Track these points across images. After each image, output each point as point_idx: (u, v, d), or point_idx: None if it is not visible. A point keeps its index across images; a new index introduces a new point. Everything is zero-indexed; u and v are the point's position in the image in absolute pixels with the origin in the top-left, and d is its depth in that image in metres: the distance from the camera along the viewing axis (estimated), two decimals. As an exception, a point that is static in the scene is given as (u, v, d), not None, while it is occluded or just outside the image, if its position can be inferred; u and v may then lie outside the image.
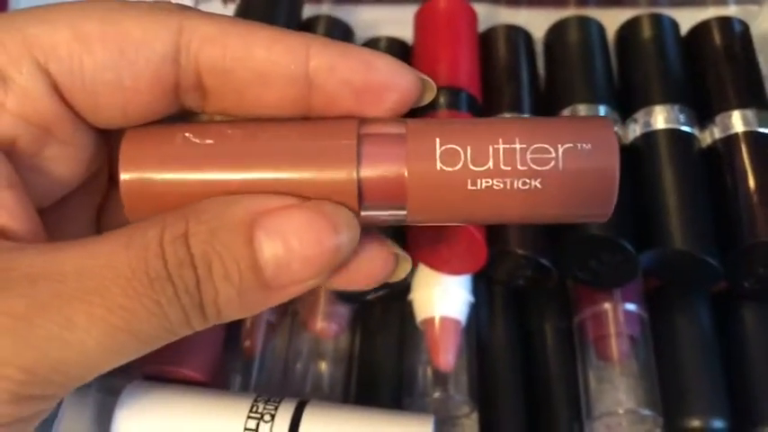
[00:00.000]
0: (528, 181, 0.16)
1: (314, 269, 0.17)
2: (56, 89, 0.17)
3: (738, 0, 0.38)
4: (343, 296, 0.31)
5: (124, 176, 0.17)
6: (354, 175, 0.17)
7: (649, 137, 0.31)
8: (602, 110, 0.32)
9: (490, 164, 0.16)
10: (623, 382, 0.29)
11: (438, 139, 0.17)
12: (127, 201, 0.17)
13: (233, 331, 0.31)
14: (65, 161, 0.18)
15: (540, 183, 0.16)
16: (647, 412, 0.29)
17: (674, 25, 0.35)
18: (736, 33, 0.34)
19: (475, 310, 0.31)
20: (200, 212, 0.16)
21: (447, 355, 0.29)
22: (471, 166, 0.16)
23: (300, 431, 0.25)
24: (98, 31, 0.17)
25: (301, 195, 0.17)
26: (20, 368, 0.15)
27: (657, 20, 0.35)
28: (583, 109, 0.32)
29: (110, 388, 0.28)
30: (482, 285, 0.32)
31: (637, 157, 0.31)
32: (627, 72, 0.34)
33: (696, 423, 0.28)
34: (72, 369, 0.16)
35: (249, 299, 0.17)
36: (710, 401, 0.29)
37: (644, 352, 0.30)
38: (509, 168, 0.16)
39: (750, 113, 0.31)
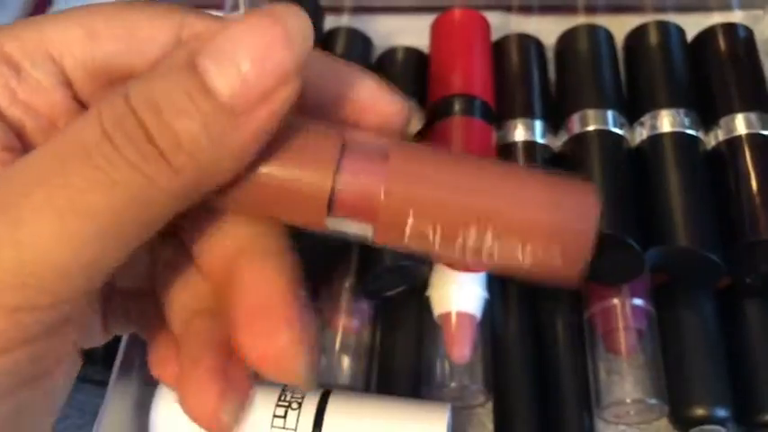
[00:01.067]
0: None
1: (274, 76, 0.14)
2: (68, 85, 0.18)
3: (743, 5, 0.39)
4: (365, 293, 0.33)
5: None
6: (329, 182, 0.16)
7: (655, 140, 0.33)
8: (610, 114, 0.33)
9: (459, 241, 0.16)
10: (631, 373, 0.31)
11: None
12: None
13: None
14: None
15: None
16: (653, 401, 0.30)
17: (680, 32, 0.36)
18: (740, 39, 0.35)
19: (489, 305, 0.32)
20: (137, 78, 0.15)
21: (463, 347, 0.31)
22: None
23: (325, 417, 0.27)
24: (107, 27, 0.17)
25: (275, 182, 0.16)
26: None
27: (664, 27, 0.36)
28: (591, 114, 0.33)
29: (150, 379, 0.30)
30: (496, 282, 0.33)
31: (643, 159, 0.32)
32: (634, 77, 0.36)
33: (700, 411, 0.30)
34: (41, 270, 0.14)
35: (218, 131, 0.14)
36: (714, 391, 0.30)
37: (651, 345, 0.31)
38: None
39: (753, 116, 0.32)
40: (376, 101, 0.18)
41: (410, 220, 0.16)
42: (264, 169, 0.16)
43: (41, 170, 0.14)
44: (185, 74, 0.14)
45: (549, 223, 0.16)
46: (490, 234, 0.16)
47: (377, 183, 0.16)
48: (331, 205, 0.16)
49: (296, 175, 0.16)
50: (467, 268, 0.30)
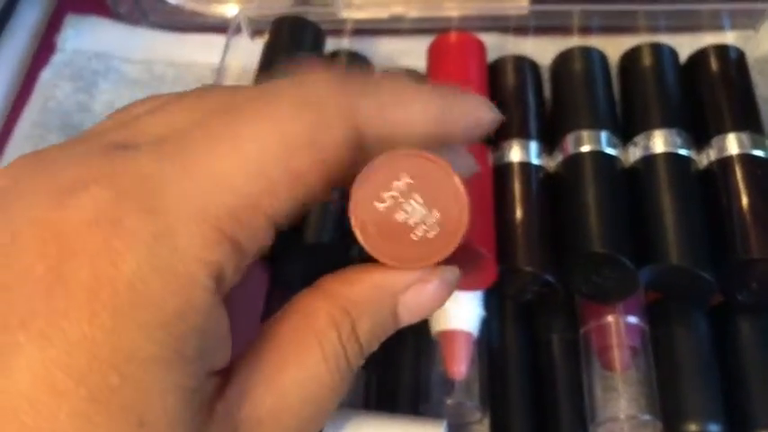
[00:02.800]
0: None
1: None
2: None
3: (735, 25, 0.39)
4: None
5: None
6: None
7: (649, 159, 0.33)
8: (603, 135, 0.34)
9: None
10: (625, 389, 0.31)
11: None
12: None
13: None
14: None
15: None
16: (647, 417, 0.30)
17: (674, 54, 0.37)
18: (732, 60, 0.36)
19: (486, 323, 0.33)
20: (356, 303, 0.20)
21: (460, 365, 0.32)
22: None
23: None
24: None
25: None
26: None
27: (657, 49, 0.37)
28: (586, 134, 0.34)
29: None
30: (493, 300, 0.34)
31: (637, 178, 0.33)
32: (628, 98, 0.36)
33: (693, 427, 0.30)
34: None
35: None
36: (707, 406, 0.31)
37: (644, 361, 0.32)
38: None
39: (744, 136, 0.33)
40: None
41: None
42: None
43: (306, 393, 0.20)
44: (391, 322, 0.20)
45: None
46: None
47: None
48: None
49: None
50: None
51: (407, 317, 0.21)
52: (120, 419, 0.16)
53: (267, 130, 0.18)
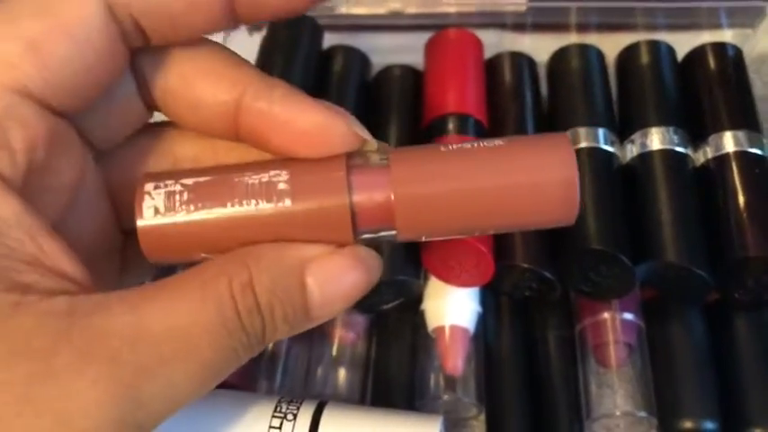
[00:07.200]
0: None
1: (350, 302, 0.19)
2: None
3: (733, 24, 0.39)
4: (361, 307, 0.34)
5: (141, 223, 0.19)
6: (347, 202, 0.18)
7: (645, 157, 0.33)
8: (600, 132, 0.34)
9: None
10: (621, 386, 0.31)
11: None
12: (146, 246, 0.19)
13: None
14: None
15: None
16: (642, 414, 0.31)
17: (671, 51, 0.37)
18: (729, 58, 0.36)
19: (483, 319, 0.33)
20: (258, 259, 0.18)
21: (456, 360, 0.32)
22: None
23: (320, 428, 0.27)
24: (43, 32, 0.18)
25: (300, 226, 0.19)
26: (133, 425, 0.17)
27: (655, 46, 0.37)
28: (583, 131, 0.34)
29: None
30: (489, 296, 0.34)
31: (634, 175, 0.33)
32: (625, 96, 0.36)
33: (689, 424, 0.30)
34: (165, 411, 0.17)
35: (296, 330, 0.19)
36: (702, 404, 0.31)
37: (640, 358, 0.32)
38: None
39: (741, 134, 0.33)
40: (324, 130, 0.19)
41: (423, 217, 0.19)
42: (292, 217, 0.18)
43: (191, 340, 0.17)
44: (297, 289, 0.19)
45: (538, 183, 0.18)
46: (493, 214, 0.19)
47: (386, 192, 0.18)
48: (355, 225, 0.19)
49: (317, 211, 0.18)
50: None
51: (318, 290, 0.19)
52: None
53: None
